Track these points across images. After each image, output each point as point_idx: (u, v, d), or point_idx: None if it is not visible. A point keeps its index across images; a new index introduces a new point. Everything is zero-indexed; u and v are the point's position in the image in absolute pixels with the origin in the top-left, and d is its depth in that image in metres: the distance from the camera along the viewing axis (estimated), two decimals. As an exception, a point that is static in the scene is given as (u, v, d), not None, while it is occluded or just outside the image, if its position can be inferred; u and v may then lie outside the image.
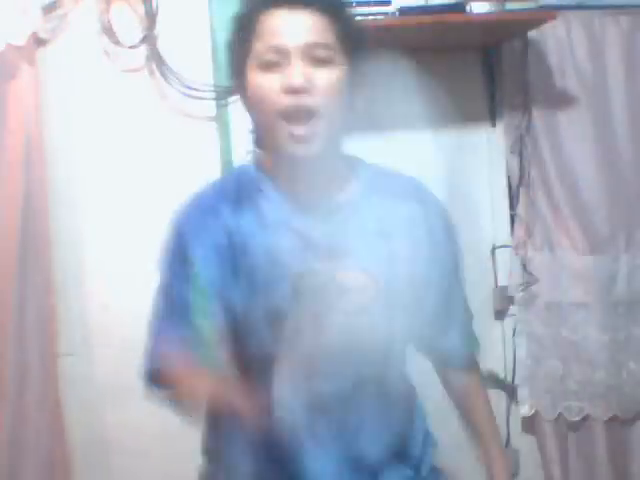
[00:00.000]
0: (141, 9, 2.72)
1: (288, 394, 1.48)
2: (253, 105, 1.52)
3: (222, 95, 2.75)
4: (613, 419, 3.05)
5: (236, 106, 2.73)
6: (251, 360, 1.52)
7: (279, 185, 1.57)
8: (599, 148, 3.01)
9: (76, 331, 2.75)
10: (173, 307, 1.55)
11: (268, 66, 1.47)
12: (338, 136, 1.56)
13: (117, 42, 2.72)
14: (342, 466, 1.57)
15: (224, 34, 2.69)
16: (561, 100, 2.97)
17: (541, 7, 2.78)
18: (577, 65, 2.98)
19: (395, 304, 1.57)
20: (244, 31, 1.52)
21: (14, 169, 2.59)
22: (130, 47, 2.72)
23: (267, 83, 1.47)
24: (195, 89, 2.75)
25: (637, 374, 3.05)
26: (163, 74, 2.74)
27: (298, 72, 1.45)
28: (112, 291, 2.76)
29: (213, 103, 2.78)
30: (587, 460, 3.06)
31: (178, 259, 1.56)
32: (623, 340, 3.03)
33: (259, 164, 1.63)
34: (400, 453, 1.65)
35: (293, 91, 1.45)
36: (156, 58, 2.74)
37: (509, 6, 2.72)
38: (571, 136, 2.97)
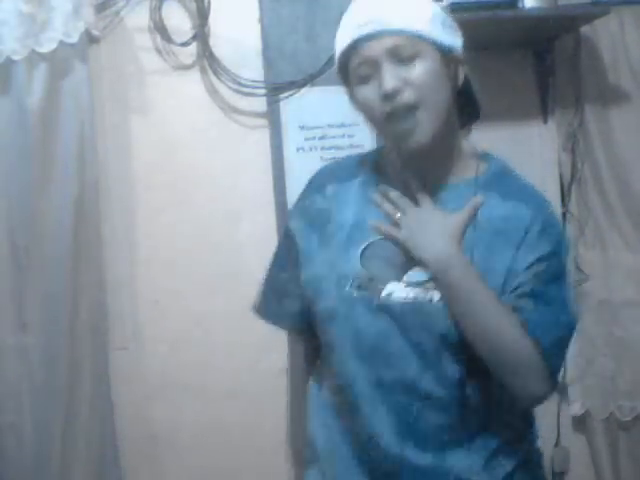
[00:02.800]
0: (192, 6, 2.75)
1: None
2: (364, 116, 1.61)
3: (273, 91, 2.77)
4: (665, 419, 3.02)
5: (287, 102, 2.77)
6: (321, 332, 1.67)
7: (394, 171, 1.67)
8: (652, 145, 2.96)
9: (127, 326, 2.78)
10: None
11: (364, 79, 1.55)
12: (450, 125, 1.60)
13: (169, 39, 2.75)
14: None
15: (275, 30, 2.75)
16: (614, 96, 2.93)
17: (594, 2, 2.76)
18: (630, 61, 2.93)
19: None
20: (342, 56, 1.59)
21: (67, 167, 2.62)
22: (182, 44, 2.75)
23: (366, 94, 1.55)
24: (246, 86, 2.77)
25: (690, 374, 3.00)
26: (214, 71, 2.77)
27: (388, 77, 1.51)
28: (163, 287, 2.79)
29: (264, 99, 2.79)
30: (638, 460, 3.02)
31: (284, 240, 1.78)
32: (676, 339, 2.99)
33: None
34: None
35: (388, 96, 1.51)
36: (207, 55, 2.76)
37: (562, 2, 2.71)
38: (624, 133, 2.93)
